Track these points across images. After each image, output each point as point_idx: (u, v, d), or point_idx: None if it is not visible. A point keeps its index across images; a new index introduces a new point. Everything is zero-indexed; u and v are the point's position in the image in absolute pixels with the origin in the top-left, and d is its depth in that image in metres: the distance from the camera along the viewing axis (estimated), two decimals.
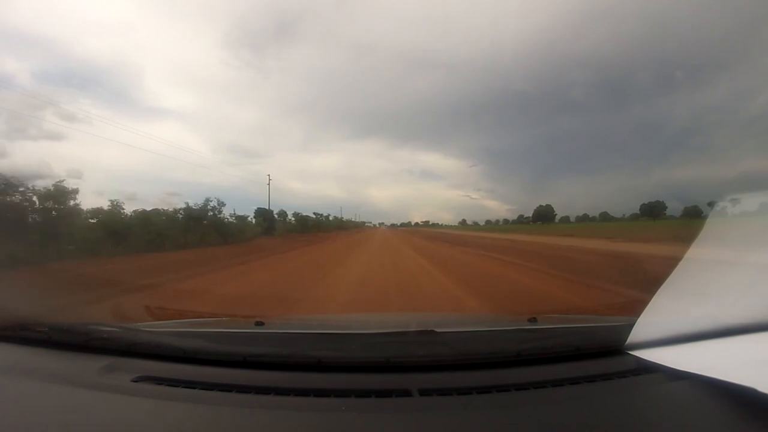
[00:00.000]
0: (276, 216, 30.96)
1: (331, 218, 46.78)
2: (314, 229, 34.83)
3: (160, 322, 1.73)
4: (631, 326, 1.04)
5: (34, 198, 10.80)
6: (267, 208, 30.63)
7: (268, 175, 31.49)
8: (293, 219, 34.23)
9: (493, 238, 23.59)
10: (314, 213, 40.36)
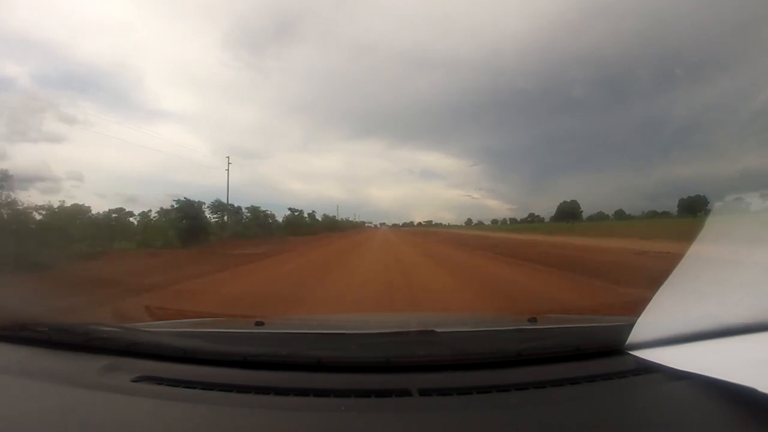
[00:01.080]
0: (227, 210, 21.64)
1: (319, 217, 37.24)
2: (286, 232, 25.57)
3: (160, 322, 1.73)
4: (631, 326, 1.04)
5: None
6: (226, 201, 22.00)
7: (227, 157, 24.02)
8: (249, 217, 24.09)
9: (552, 244, 15.63)
10: (290, 209, 31.39)
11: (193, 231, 16.31)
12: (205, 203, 20.11)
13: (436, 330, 1.11)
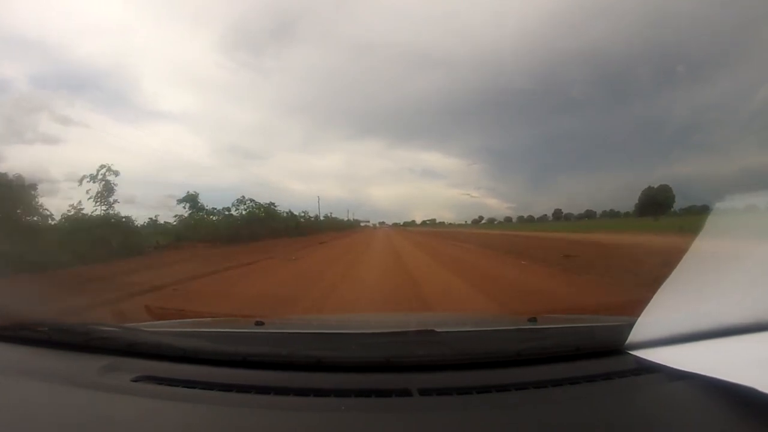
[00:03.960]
0: None
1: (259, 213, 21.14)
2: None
3: (160, 322, 1.73)
4: (631, 326, 1.04)
5: None
6: None
7: None
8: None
9: None
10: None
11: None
12: None
13: (436, 330, 1.12)
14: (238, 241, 16.88)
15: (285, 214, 27.23)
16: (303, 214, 33.12)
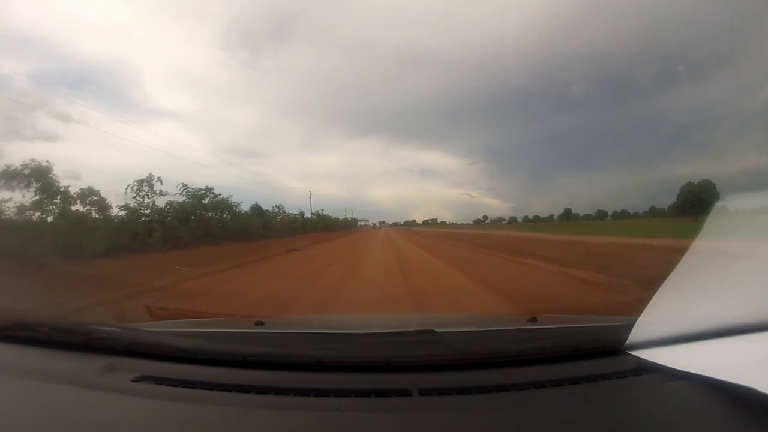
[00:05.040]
0: None
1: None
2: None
3: (160, 321, 1.73)
4: (631, 326, 1.04)
5: None
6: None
7: None
8: None
9: None
10: None
11: None
12: None
13: (436, 330, 1.11)
14: (126, 252, 9.67)
15: (248, 210, 19.07)
16: (276, 210, 23.11)
